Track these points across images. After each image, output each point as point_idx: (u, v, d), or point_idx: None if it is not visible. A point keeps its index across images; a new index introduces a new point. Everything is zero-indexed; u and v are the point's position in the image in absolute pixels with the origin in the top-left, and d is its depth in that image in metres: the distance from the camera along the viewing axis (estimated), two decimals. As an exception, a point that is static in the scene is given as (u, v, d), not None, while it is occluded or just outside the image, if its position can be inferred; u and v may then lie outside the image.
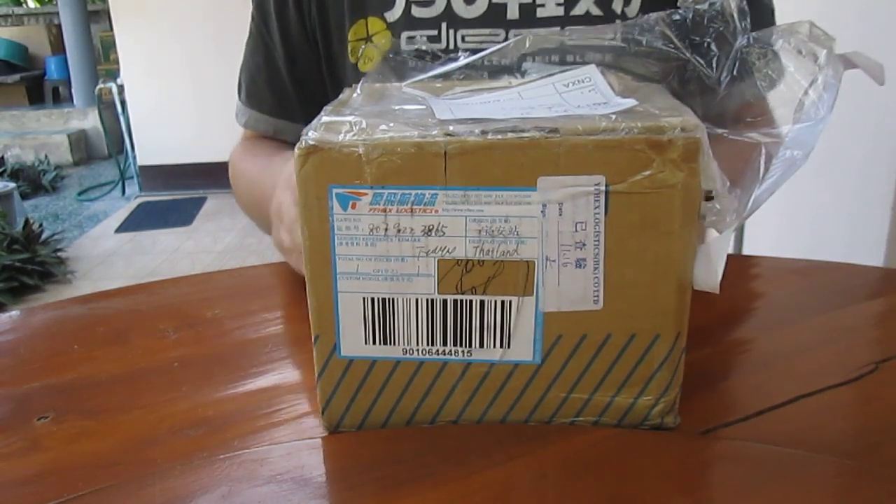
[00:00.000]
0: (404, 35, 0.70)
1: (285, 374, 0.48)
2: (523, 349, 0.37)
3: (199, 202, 3.77)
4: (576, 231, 0.35)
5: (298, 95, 0.77)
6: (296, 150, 0.34)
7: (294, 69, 0.76)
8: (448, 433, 0.38)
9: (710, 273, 0.36)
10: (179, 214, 3.64)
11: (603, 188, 0.34)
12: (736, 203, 0.36)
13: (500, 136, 0.33)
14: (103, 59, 5.82)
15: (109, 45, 5.37)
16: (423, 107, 0.39)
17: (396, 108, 0.39)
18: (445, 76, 0.46)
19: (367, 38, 0.72)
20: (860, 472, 0.35)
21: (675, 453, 0.37)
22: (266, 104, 0.79)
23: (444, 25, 0.69)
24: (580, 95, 0.40)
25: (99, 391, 0.46)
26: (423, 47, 0.70)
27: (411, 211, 0.35)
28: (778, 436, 0.38)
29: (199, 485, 0.35)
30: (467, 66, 0.45)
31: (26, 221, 3.03)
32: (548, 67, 0.44)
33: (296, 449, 0.39)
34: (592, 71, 0.42)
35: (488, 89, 0.43)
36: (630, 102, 0.36)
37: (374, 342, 0.37)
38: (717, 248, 0.36)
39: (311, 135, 0.34)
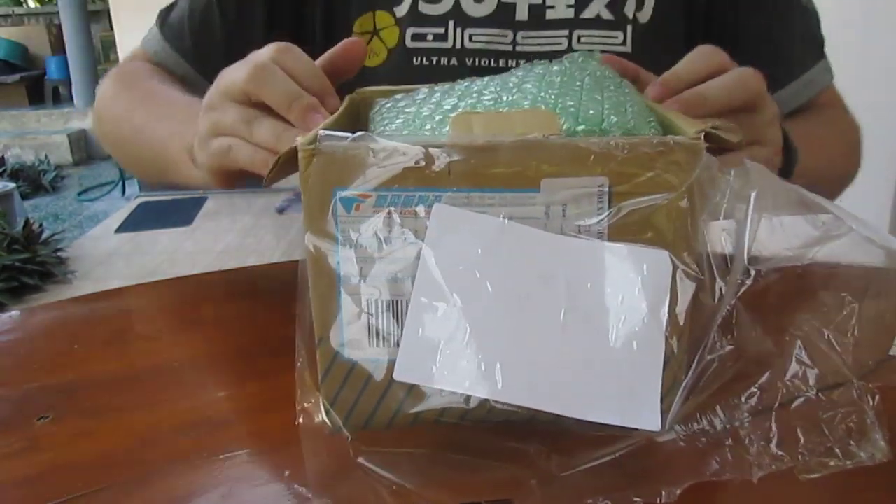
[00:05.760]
0: (410, 31, 0.69)
1: (285, 374, 0.48)
2: None
3: (199, 202, 3.77)
4: (579, 232, 0.35)
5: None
6: (300, 152, 0.34)
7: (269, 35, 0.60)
8: (452, 432, 0.38)
9: None
10: (179, 214, 3.63)
11: (606, 189, 0.34)
12: None
13: (503, 139, 0.34)
14: (103, 59, 5.82)
15: (109, 45, 5.38)
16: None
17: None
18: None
19: (374, 33, 0.70)
20: (860, 472, 0.35)
21: (676, 454, 0.37)
22: (188, 47, 0.71)
23: (451, 23, 0.68)
24: None
25: (99, 391, 0.46)
26: (429, 44, 0.69)
27: (415, 213, 0.35)
28: (778, 436, 0.38)
29: (199, 485, 0.35)
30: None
31: (26, 221, 3.03)
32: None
33: (296, 449, 0.39)
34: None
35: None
36: None
37: (379, 344, 0.37)
38: None
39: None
